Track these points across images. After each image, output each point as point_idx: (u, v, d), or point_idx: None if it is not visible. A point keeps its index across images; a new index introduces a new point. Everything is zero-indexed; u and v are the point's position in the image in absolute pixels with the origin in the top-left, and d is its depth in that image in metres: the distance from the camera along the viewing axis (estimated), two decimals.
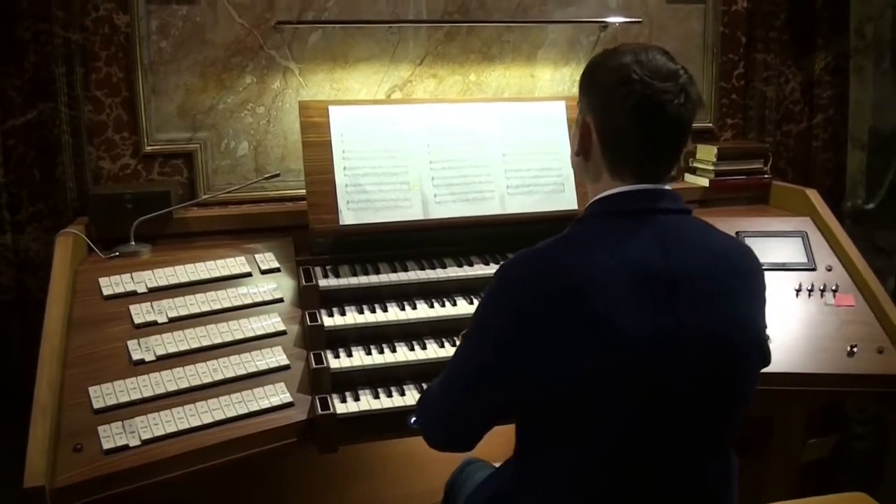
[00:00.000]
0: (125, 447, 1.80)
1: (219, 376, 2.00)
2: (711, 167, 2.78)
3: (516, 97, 2.67)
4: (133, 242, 2.25)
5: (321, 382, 2.03)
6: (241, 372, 2.02)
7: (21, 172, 2.32)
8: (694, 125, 2.75)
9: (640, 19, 2.67)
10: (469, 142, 2.46)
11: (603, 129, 1.42)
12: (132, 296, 2.11)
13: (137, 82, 2.37)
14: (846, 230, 2.94)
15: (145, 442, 1.83)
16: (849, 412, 3.07)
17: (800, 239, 2.58)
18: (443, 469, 2.01)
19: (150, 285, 2.14)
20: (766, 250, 2.54)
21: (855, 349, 2.27)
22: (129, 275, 2.15)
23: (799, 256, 2.54)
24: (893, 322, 2.31)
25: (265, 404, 1.97)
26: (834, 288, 2.43)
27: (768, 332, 1.55)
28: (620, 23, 2.70)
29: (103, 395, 1.89)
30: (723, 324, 1.36)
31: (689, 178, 2.87)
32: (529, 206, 2.49)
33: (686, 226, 1.42)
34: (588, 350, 1.30)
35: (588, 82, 1.46)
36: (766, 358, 1.51)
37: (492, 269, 2.31)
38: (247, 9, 2.42)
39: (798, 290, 2.44)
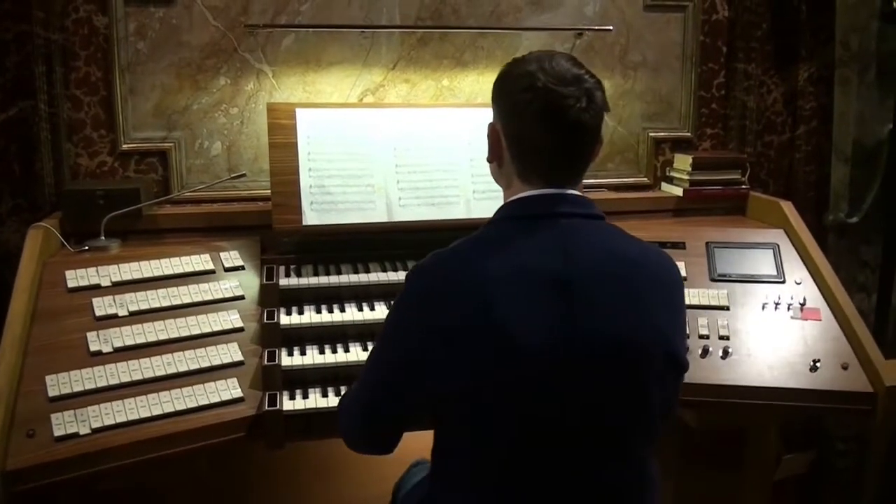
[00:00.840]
0: (75, 435, 1.87)
1: (172, 370, 2.05)
2: (687, 177, 2.77)
3: (488, 103, 2.68)
4: (103, 237, 2.32)
5: (272, 379, 2.07)
6: (195, 366, 2.07)
7: (2, 167, 2.41)
8: (672, 134, 2.82)
9: (610, 27, 2.67)
10: (436, 146, 2.49)
11: (510, 136, 1.46)
12: (96, 289, 2.18)
13: (115, 82, 2.45)
14: (830, 244, 2.92)
15: (95, 430, 1.89)
16: (828, 427, 3.03)
17: (771, 251, 2.56)
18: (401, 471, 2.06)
19: (114, 279, 2.21)
20: (736, 262, 2.54)
21: (818, 364, 2.25)
22: (94, 269, 2.21)
23: (768, 269, 2.51)
24: (860, 338, 2.28)
25: (215, 399, 2.02)
26: (802, 302, 2.41)
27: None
28: (591, 31, 2.70)
29: (59, 383, 1.96)
30: (623, 329, 1.37)
31: (665, 187, 2.87)
32: (494, 211, 2.50)
33: (591, 230, 1.43)
34: (485, 352, 1.34)
35: (497, 91, 1.49)
36: (678, 367, 1.50)
37: None
38: (221, 12, 2.49)
39: (765, 303, 2.42)
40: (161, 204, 2.50)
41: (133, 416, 1.94)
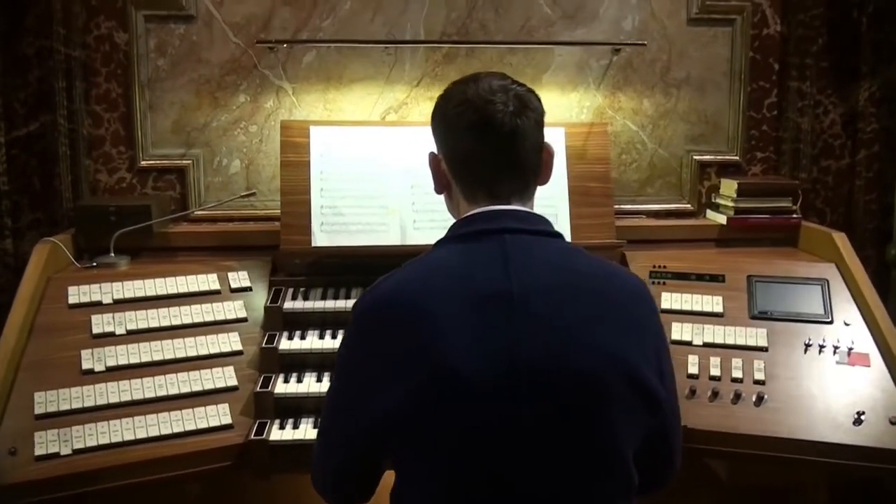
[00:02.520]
0: (56, 455, 1.83)
1: (163, 392, 2.00)
2: (732, 204, 2.55)
3: None
4: (112, 254, 2.30)
5: (264, 406, 1.99)
6: (186, 390, 2.01)
7: (22, 181, 2.43)
8: (718, 158, 2.62)
9: (644, 42, 2.50)
10: None
11: (449, 158, 1.42)
12: (96, 306, 2.15)
13: (135, 98, 2.45)
14: (894, 280, 2.65)
15: (76, 452, 1.85)
16: (889, 487, 2.72)
17: (819, 288, 2.32)
18: None
19: (116, 297, 2.18)
20: (780, 298, 2.31)
21: (863, 417, 2.00)
22: (98, 285, 2.19)
23: (815, 307, 2.27)
24: None
25: (203, 425, 1.95)
26: (850, 345, 2.16)
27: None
28: (624, 46, 2.54)
29: (46, 401, 1.92)
30: (571, 349, 1.24)
31: (710, 214, 2.66)
32: None
33: (538, 247, 1.33)
34: (421, 379, 1.24)
35: (433, 115, 1.45)
36: (649, 397, 1.32)
37: None
38: (242, 28, 2.45)
39: (808, 345, 2.18)
40: (177, 221, 2.48)
41: (116, 439, 1.89)
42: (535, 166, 1.42)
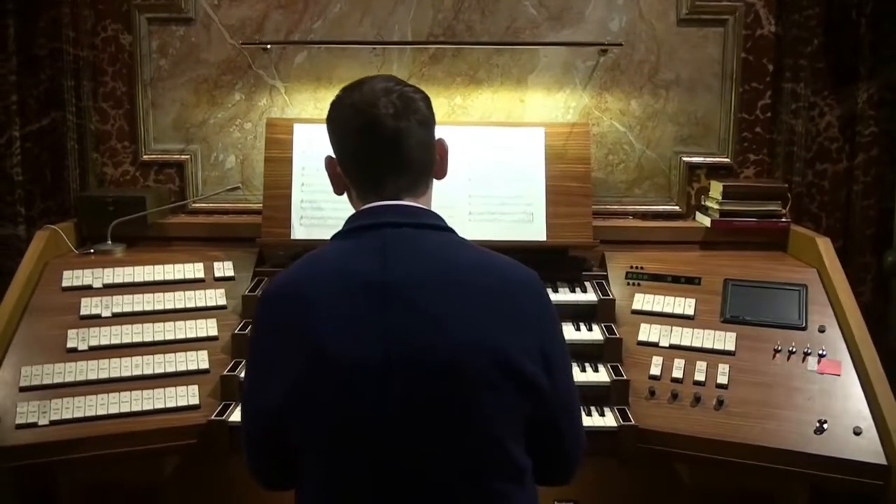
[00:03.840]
0: (34, 424, 1.99)
1: (138, 372, 2.13)
2: (717, 206, 2.52)
3: (501, 122, 2.59)
4: (109, 242, 2.45)
5: (230, 390, 2.09)
6: (160, 370, 2.14)
7: (35, 173, 2.61)
8: (708, 160, 2.58)
9: (620, 42, 2.49)
10: None
11: (340, 159, 1.46)
12: (87, 290, 2.30)
13: (138, 96, 2.60)
14: (893, 289, 2.56)
15: (52, 423, 2.00)
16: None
17: (797, 293, 2.27)
18: None
19: (106, 282, 2.32)
20: (754, 303, 2.28)
21: (825, 426, 1.96)
22: (90, 270, 2.34)
23: (790, 313, 2.23)
24: (879, 400, 1.97)
25: (171, 404, 2.08)
26: (821, 353, 2.12)
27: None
28: (606, 46, 2.54)
29: (31, 375, 2.08)
30: (443, 339, 1.28)
31: (699, 217, 2.62)
32: (491, 234, 2.40)
33: (419, 240, 1.37)
34: (300, 367, 1.31)
35: (327, 121, 1.48)
36: (527, 386, 1.33)
37: None
38: (237, 30, 2.57)
39: (777, 350, 2.14)
40: (176, 213, 2.62)
41: (90, 413, 2.03)
42: (427, 163, 1.46)
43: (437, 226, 1.41)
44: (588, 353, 2.23)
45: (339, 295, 1.31)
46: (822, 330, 2.17)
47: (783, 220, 2.50)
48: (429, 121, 1.44)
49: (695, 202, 2.66)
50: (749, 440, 1.98)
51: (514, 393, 1.32)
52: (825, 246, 2.31)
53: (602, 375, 2.15)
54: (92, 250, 2.44)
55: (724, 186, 2.50)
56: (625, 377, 2.11)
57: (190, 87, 2.60)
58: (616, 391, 2.10)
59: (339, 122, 1.43)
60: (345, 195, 1.50)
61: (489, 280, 1.35)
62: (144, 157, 2.64)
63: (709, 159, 2.64)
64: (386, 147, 1.39)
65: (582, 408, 2.05)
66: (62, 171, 2.60)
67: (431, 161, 1.46)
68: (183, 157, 2.64)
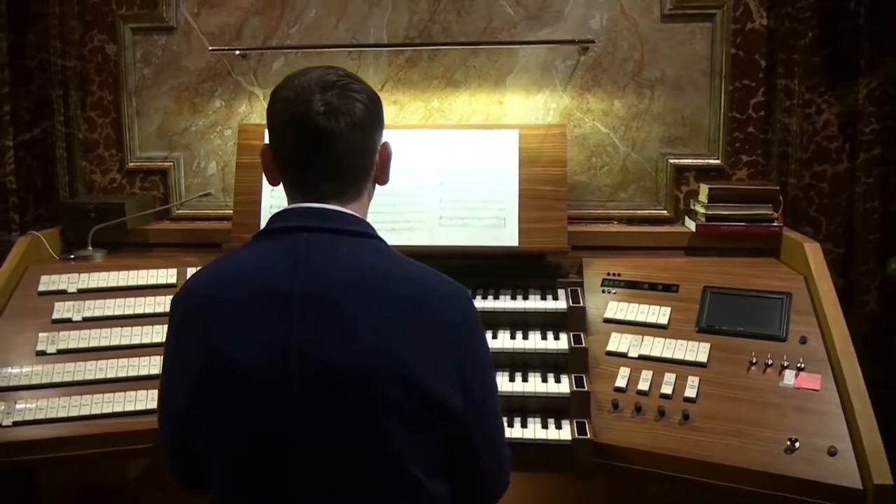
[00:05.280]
0: None
1: (102, 375, 2.16)
2: (703, 210, 2.39)
3: (476, 125, 2.53)
4: (90, 248, 2.50)
5: None
6: (123, 374, 2.16)
7: (27, 181, 2.70)
8: (697, 161, 2.46)
9: (592, 39, 2.38)
10: (404, 169, 2.37)
11: (274, 152, 1.40)
12: (61, 294, 2.34)
13: (123, 105, 2.65)
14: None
15: (15, 423, 2.04)
16: None
17: (780, 302, 2.12)
18: None
19: (80, 287, 2.36)
20: (733, 312, 2.15)
21: (796, 445, 1.82)
22: (67, 276, 2.39)
23: (770, 323, 2.09)
24: (857, 418, 1.81)
25: (133, 407, 2.09)
26: (800, 366, 1.97)
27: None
28: (573, 44, 2.45)
29: (0, 376, 2.14)
30: (344, 351, 1.23)
31: (687, 222, 2.49)
32: (462, 239, 2.35)
33: (338, 248, 1.31)
34: (200, 372, 1.28)
35: (267, 109, 1.43)
36: (437, 409, 1.27)
37: None
38: (216, 37, 2.59)
39: (752, 363, 2.01)
40: (160, 219, 2.66)
41: (52, 415, 2.07)
42: (359, 168, 1.39)
43: (361, 233, 1.35)
44: (554, 364, 2.14)
45: (242, 301, 1.28)
46: (802, 341, 2.03)
47: (774, 224, 2.35)
48: (364, 124, 1.36)
49: (684, 206, 2.53)
50: (710, 458, 1.85)
51: (422, 414, 1.25)
52: (813, 251, 2.16)
53: (563, 387, 2.06)
54: (73, 256, 2.49)
55: (709, 189, 2.37)
56: (586, 388, 2.01)
57: (172, 95, 2.64)
58: (576, 403, 2.00)
59: (271, 112, 1.38)
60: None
61: (406, 293, 1.28)
62: (130, 164, 2.69)
63: (698, 161, 2.51)
64: (312, 147, 1.33)
65: (539, 420, 2.03)
66: (52, 178, 2.68)
67: (365, 166, 1.39)
68: (166, 164, 2.68)
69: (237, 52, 2.53)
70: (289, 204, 1.39)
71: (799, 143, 2.41)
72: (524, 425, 2.01)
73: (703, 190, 2.41)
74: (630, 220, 2.54)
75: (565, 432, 1.98)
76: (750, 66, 2.45)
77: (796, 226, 2.43)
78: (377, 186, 1.49)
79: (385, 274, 1.31)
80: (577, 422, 1.97)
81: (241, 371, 1.25)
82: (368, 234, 1.38)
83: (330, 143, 1.32)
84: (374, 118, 1.40)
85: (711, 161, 2.51)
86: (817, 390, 1.93)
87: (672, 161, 2.52)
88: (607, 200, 2.55)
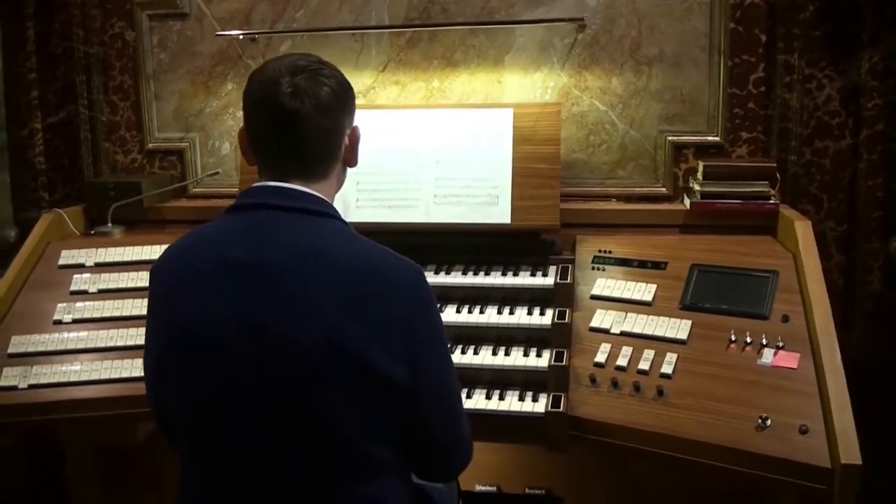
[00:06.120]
0: (14, 388, 2.19)
1: (112, 343, 2.30)
2: (699, 187, 2.37)
3: (473, 104, 2.56)
4: (110, 224, 2.65)
5: None
6: (132, 343, 2.30)
7: (55, 162, 2.86)
8: (696, 138, 2.45)
9: (581, 17, 2.38)
10: (401, 148, 2.44)
11: (247, 132, 1.48)
12: (79, 268, 2.50)
13: (142, 89, 2.78)
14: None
15: (31, 386, 2.20)
16: None
17: (767, 280, 2.11)
18: None
19: (98, 261, 2.51)
20: (719, 290, 2.16)
21: (767, 422, 1.82)
22: (86, 251, 2.54)
23: (754, 301, 2.08)
24: (830, 397, 1.80)
25: (141, 373, 2.21)
26: (779, 344, 1.96)
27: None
28: (562, 22, 2.46)
29: (19, 343, 2.29)
30: (292, 325, 1.30)
31: (686, 199, 2.48)
32: (456, 216, 2.40)
33: (294, 225, 1.38)
34: (163, 339, 1.39)
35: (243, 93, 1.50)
36: (383, 384, 1.33)
37: None
38: (227, 22, 2.69)
39: (732, 341, 2.01)
40: (177, 197, 2.80)
41: (63, 379, 2.21)
42: (325, 150, 1.45)
43: (321, 212, 1.42)
44: (539, 339, 2.18)
45: (204, 272, 1.37)
46: (784, 320, 2.02)
47: (770, 201, 2.32)
48: (331, 107, 1.42)
49: (683, 184, 2.52)
50: (682, 433, 1.87)
51: (369, 389, 1.32)
52: (803, 228, 2.13)
53: (544, 361, 2.10)
54: (93, 232, 2.65)
55: (704, 166, 2.36)
56: (564, 363, 2.05)
57: (187, 78, 2.76)
58: (554, 377, 2.04)
59: (245, 94, 1.46)
60: None
61: (358, 268, 1.35)
62: (150, 145, 2.83)
63: (697, 138, 2.49)
64: (278, 127, 1.40)
65: (518, 393, 2.07)
66: (78, 159, 2.84)
67: (332, 148, 1.46)
68: (182, 144, 2.80)
69: (241, 36, 2.63)
70: (258, 181, 1.46)
71: (799, 118, 2.37)
72: (502, 398, 2.06)
73: (700, 167, 2.40)
74: (629, 198, 2.55)
75: (540, 405, 2.02)
76: (749, 41, 2.41)
77: (797, 203, 2.39)
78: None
79: (339, 251, 1.37)
80: (553, 395, 2.01)
81: (200, 339, 1.34)
82: (328, 213, 1.44)
83: (294, 123, 1.39)
84: (341, 102, 1.46)
85: (710, 138, 2.48)
86: (794, 369, 1.93)
87: (671, 138, 2.50)
88: (606, 178, 2.56)
